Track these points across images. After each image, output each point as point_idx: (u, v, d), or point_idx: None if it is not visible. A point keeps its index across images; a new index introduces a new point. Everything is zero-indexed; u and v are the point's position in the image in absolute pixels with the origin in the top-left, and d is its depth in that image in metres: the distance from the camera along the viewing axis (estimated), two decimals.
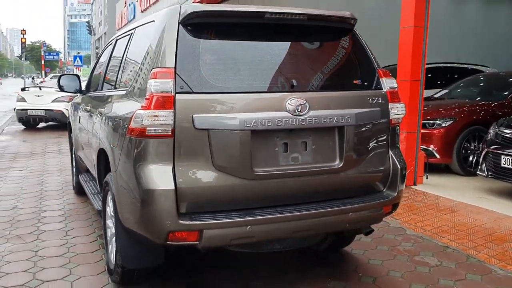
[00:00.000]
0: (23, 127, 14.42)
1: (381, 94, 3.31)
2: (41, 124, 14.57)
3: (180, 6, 3.01)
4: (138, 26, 3.78)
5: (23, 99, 13.80)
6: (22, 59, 49.64)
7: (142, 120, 2.74)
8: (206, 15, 2.96)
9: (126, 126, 2.95)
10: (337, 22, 3.32)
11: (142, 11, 20.68)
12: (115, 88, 3.86)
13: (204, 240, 2.79)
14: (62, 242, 4.44)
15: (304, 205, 3.06)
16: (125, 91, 3.37)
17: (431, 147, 6.99)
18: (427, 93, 9.10)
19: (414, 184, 6.36)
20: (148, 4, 19.22)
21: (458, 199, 5.69)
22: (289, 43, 3.25)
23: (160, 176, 2.75)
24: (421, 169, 6.46)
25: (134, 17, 22.67)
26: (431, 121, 7.09)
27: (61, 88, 5.28)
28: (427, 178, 6.56)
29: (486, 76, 9.31)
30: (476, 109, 7.33)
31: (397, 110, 3.39)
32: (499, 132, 5.90)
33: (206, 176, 2.82)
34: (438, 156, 7.00)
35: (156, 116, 2.73)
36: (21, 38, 40.33)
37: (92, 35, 52.24)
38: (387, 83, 3.37)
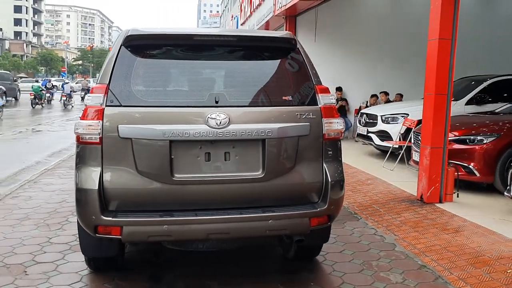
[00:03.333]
0: None
1: (313, 110, 3.45)
2: None
3: (128, 29, 3.47)
4: None
5: None
6: None
7: (78, 128, 3.24)
8: (141, 37, 3.40)
9: None
10: (271, 42, 3.55)
11: (241, 24, 21.73)
12: None
13: (124, 235, 3.21)
14: (77, 232, 5.13)
15: (224, 210, 3.32)
16: None
17: (471, 165, 6.62)
18: (494, 106, 8.57)
19: (440, 201, 6.11)
20: (245, 18, 20.19)
21: (474, 220, 5.38)
22: (219, 62, 3.56)
23: (88, 178, 3.23)
24: (451, 186, 6.17)
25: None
26: (472, 137, 6.71)
27: None
28: (457, 196, 6.25)
29: None
30: None
31: (332, 125, 3.50)
32: None
33: (130, 179, 3.24)
34: (478, 175, 6.60)
35: (88, 125, 3.22)
36: None
37: None
38: (323, 99, 3.50)
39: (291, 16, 13.23)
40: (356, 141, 11.91)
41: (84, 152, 3.27)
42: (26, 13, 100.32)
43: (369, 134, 9.70)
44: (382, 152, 10.21)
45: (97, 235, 3.28)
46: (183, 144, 3.26)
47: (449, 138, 6.52)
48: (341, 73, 13.50)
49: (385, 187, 7.15)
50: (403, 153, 8.44)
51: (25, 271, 4.07)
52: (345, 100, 13.51)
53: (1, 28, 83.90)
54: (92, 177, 3.22)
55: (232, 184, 3.33)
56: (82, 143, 3.26)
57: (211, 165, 3.32)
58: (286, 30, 13.50)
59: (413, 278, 4.01)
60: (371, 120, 9.76)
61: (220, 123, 3.24)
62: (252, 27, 18.15)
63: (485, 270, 4.07)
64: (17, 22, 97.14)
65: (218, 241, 3.58)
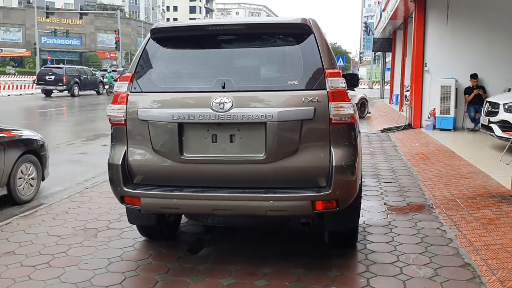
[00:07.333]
0: None
1: (319, 94, 3.46)
2: None
3: (154, 24, 3.89)
4: None
5: None
6: None
7: (109, 111, 3.75)
8: (162, 30, 3.77)
9: None
10: (280, 28, 3.63)
11: (383, 10, 20.97)
12: None
13: (142, 205, 3.64)
14: None
15: (229, 188, 3.54)
16: None
17: None
18: None
19: None
20: (385, 3, 19.44)
21: None
22: (228, 50, 3.76)
23: (115, 154, 3.73)
24: None
25: (381, 16, 23.08)
26: None
27: None
28: None
29: None
30: None
31: (341, 110, 3.46)
32: None
33: (147, 157, 3.66)
34: None
35: (116, 109, 3.71)
36: None
37: (370, 34, 53.95)
38: (331, 84, 3.48)
39: None
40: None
41: (114, 132, 3.78)
42: (200, 13, 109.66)
43: (490, 125, 8.81)
44: None
45: (124, 204, 3.78)
46: (191, 126, 3.56)
47: None
48: (479, 58, 12.30)
49: (483, 181, 6.52)
50: None
51: (96, 235, 4.79)
52: (482, 88, 12.30)
53: None
54: (118, 153, 3.71)
55: (236, 165, 3.53)
56: (112, 124, 3.77)
57: (218, 146, 3.56)
58: (415, 14, 12.79)
59: (445, 275, 3.75)
60: (493, 109, 8.84)
61: (224, 107, 3.46)
62: (389, 13, 17.47)
63: None
64: None
65: (226, 218, 3.81)
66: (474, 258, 4.03)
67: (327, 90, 3.47)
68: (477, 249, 4.21)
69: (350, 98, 3.58)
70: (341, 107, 3.46)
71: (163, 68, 3.75)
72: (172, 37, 3.83)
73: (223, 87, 3.53)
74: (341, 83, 3.50)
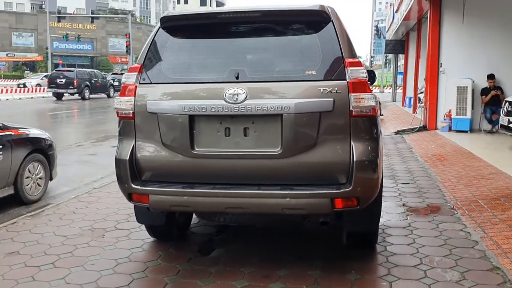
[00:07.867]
0: None
1: (338, 85, 3.25)
2: None
3: (167, 11, 3.70)
4: None
5: None
6: None
7: (117, 104, 3.57)
8: (174, 19, 3.59)
9: None
10: (296, 16, 3.43)
11: (396, 11, 20.69)
12: None
13: (150, 203, 3.45)
14: None
15: (242, 185, 3.34)
16: None
17: None
18: None
19: None
20: (398, 4, 19.17)
21: None
22: (242, 39, 3.56)
23: (122, 149, 3.54)
24: None
25: (393, 18, 22.78)
26: None
27: None
28: None
29: None
30: None
31: (361, 101, 3.25)
32: None
33: (156, 151, 3.47)
34: None
35: (123, 101, 3.53)
36: None
37: (381, 38, 53.61)
38: (352, 74, 3.27)
39: None
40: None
41: (122, 125, 3.60)
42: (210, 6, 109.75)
43: (510, 125, 8.52)
44: None
45: (131, 202, 3.59)
46: (203, 118, 3.36)
47: None
48: (497, 58, 11.96)
49: (505, 182, 6.25)
50: None
51: (103, 235, 4.60)
52: (500, 88, 11.99)
53: None
54: (126, 148, 3.52)
55: (251, 159, 3.33)
56: (120, 117, 3.59)
57: (231, 140, 3.36)
58: (430, 13, 12.52)
59: (473, 279, 3.51)
60: None
61: (237, 98, 3.26)
62: (402, 13, 17.20)
63: None
64: None
65: (238, 216, 3.61)
66: (503, 261, 3.79)
67: (347, 80, 3.26)
68: (505, 251, 3.97)
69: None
70: (362, 98, 3.25)
71: (173, 58, 3.57)
72: (183, 26, 3.64)
73: (237, 78, 3.34)
74: (362, 73, 3.29)
